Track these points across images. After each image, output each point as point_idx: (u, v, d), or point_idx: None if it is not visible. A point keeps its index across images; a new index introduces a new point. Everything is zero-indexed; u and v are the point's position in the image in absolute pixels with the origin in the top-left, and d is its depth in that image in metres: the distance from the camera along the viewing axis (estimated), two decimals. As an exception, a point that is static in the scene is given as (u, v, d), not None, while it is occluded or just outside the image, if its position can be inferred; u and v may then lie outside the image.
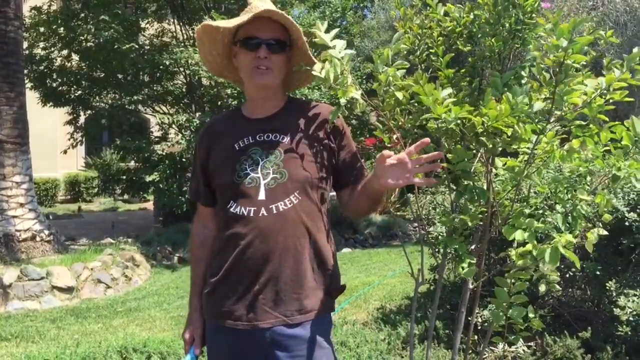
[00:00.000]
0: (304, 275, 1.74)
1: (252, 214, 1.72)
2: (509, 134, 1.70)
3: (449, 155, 1.84)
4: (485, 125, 1.69)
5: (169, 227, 10.49)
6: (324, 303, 1.77)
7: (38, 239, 7.62)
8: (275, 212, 1.72)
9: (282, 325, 1.71)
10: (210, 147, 1.87)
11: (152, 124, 13.63)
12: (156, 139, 12.18)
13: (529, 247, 1.71)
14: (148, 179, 10.94)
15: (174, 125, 11.27)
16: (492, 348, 3.64)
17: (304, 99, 1.89)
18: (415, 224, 11.23)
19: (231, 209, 1.75)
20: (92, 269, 7.19)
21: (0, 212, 7.41)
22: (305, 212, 1.75)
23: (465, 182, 1.86)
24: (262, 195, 1.72)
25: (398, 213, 12.56)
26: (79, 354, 3.71)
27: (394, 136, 1.89)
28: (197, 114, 11.09)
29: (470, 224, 1.77)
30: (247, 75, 1.81)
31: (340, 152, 1.85)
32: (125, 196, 15.50)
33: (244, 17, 1.75)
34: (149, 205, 14.97)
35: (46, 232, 7.79)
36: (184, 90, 11.84)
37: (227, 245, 1.76)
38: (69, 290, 6.77)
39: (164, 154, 11.19)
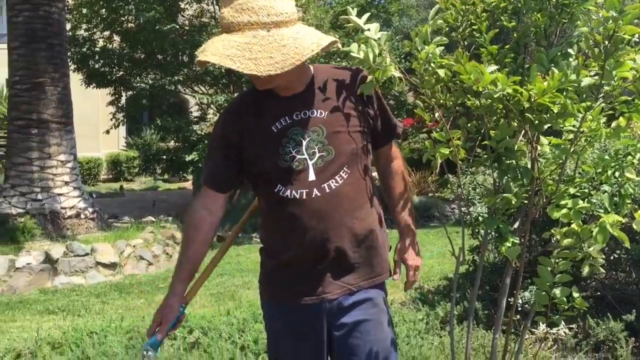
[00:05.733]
0: (363, 246, 1.77)
1: (304, 197, 1.71)
2: (556, 110, 1.66)
3: (492, 132, 1.81)
4: (532, 100, 1.65)
5: (208, 206, 10.63)
6: (382, 268, 1.84)
7: (82, 216, 7.83)
8: (327, 191, 1.71)
9: (347, 294, 1.76)
10: (242, 130, 1.77)
11: (191, 104, 13.78)
12: (195, 119, 12.33)
13: (574, 226, 1.68)
14: (187, 158, 11.08)
15: (212, 106, 11.37)
16: (533, 330, 3.60)
17: (329, 64, 1.79)
18: (454, 205, 11.12)
19: (280, 193, 1.73)
20: (134, 246, 7.37)
21: (47, 189, 7.64)
22: (355, 185, 1.76)
23: (509, 161, 1.83)
24: (311, 176, 1.71)
25: (436, 194, 12.46)
26: (124, 327, 3.82)
27: (436, 114, 1.87)
28: (236, 95, 11.16)
29: (514, 203, 1.75)
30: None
31: (375, 116, 1.83)
32: (165, 176, 15.77)
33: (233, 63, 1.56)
34: (188, 185, 15.20)
35: (90, 209, 8.00)
36: (222, 70, 11.90)
37: (284, 226, 1.76)
38: (112, 266, 6.95)
39: (202, 133, 11.31)
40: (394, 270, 1.86)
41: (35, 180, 7.59)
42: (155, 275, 6.97)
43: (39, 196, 7.56)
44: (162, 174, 14.81)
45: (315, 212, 1.72)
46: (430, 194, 12.23)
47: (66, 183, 7.82)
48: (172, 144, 12.61)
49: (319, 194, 1.72)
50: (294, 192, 1.72)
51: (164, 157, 12.36)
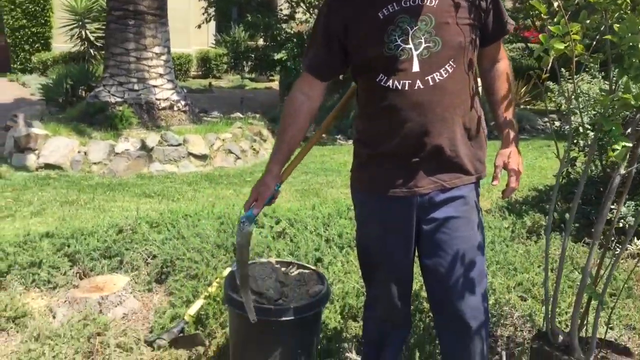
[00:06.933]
0: (460, 143, 1.74)
1: (407, 87, 1.67)
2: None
3: (615, 26, 1.67)
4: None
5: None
6: (476, 168, 1.81)
7: (175, 108, 8.10)
8: (431, 83, 1.67)
9: (439, 190, 1.75)
10: (347, 17, 1.73)
11: (281, 1, 13.58)
12: (284, 17, 12.18)
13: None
14: (275, 57, 11.07)
15: (302, 4, 11.16)
16: (627, 245, 3.48)
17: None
18: (546, 119, 10.63)
19: (382, 83, 1.70)
20: (223, 139, 7.61)
21: (142, 80, 7.90)
22: (459, 81, 1.70)
23: (632, 59, 1.70)
24: (415, 67, 1.66)
25: (528, 107, 11.94)
26: (215, 213, 4.01)
27: (555, 4, 1.73)
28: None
29: (633, 103, 1.63)
30: None
31: (487, 9, 1.73)
32: (253, 75, 15.90)
33: None
34: (275, 85, 15.30)
35: (182, 102, 8.25)
36: (315, -34, 11.57)
37: (383, 117, 1.74)
38: (203, 157, 7.24)
39: (292, 32, 11.21)
40: (494, 175, 1.79)
41: (132, 71, 7.85)
42: (243, 169, 7.22)
43: (135, 86, 7.85)
44: (249, 72, 14.92)
45: (417, 105, 1.68)
46: (522, 106, 11.72)
47: (160, 75, 8.04)
48: (260, 42, 12.59)
49: (422, 86, 1.67)
50: (396, 82, 1.68)
51: (252, 55, 12.40)
